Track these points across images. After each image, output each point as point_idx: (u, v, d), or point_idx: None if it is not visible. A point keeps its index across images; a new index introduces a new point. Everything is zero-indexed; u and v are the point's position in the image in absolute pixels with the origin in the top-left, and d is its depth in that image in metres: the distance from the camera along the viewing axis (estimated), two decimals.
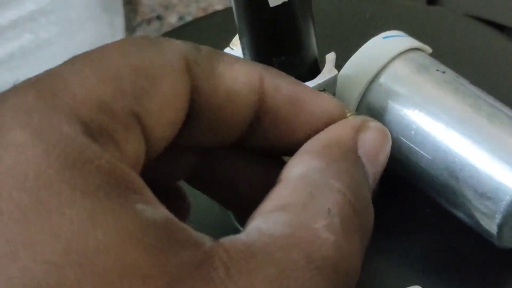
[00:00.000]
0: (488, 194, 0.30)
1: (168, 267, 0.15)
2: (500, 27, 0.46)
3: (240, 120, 0.21)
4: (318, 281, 0.17)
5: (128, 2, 0.58)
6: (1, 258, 0.14)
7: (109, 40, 0.20)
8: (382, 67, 0.33)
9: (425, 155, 0.32)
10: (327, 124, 0.22)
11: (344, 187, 0.20)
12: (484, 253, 0.33)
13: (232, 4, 0.29)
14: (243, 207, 0.24)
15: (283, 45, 0.30)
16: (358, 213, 0.20)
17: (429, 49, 0.35)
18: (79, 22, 0.62)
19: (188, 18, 0.62)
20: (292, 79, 0.22)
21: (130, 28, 0.66)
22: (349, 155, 0.21)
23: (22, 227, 0.15)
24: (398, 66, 0.33)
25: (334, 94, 0.33)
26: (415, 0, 0.49)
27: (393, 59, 0.33)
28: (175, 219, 0.17)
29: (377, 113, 0.33)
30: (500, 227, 0.31)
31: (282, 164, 0.24)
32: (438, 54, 0.35)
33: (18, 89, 0.18)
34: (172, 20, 0.67)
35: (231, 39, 0.33)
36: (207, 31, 0.46)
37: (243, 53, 0.31)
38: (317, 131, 0.22)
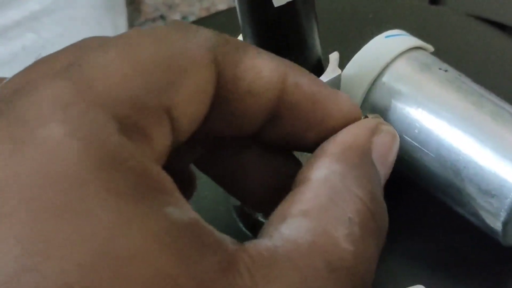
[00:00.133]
0: (492, 192, 0.30)
1: (195, 273, 0.16)
2: (502, 27, 0.46)
3: (259, 114, 0.21)
4: None
5: (131, 1, 0.58)
6: (35, 256, 0.14)
7: None
8: (385, 66, 0.33)
9: (429, 153, 0.32)
10: (343, 123, 0.22)
11: (364, 194, 0.20)
12: (487, 253, 0.34)
13: (236, 4, 0.29)
14: (247, 196, 0.25)
15: (286, 45, 0.30)
16: (375, 219, 0.20)
17: (431, 48, 0.35)
18: (82, 22, 0.62)
19: (191, 18, 0.62)
20: (313, 77, 0.22)
21: (133, 27, 0.66)
22: (367, 159, 0.21)
23: (56, 227, 0.15)
24: (401, 65, 0.33)
25: None
26: (418, 0, 0.49)
27: (396, 58, 0.33)
28: (201, 220, 0.17)
29: (380, 112, 0.33)
30: (505, 224, 0.31)
31: (292, 160, 0.24)
32: (441, 54, 0.35)
33: (50, 76, 0.17)
34: (176, 19, 0.67)
35: None
36: None
37: None
38: (333, 129, 0.22)
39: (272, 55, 0.21)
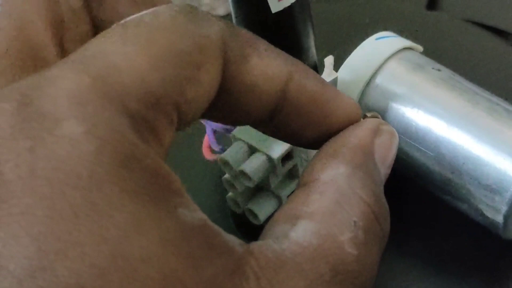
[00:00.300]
0: (492, 186, 0.31)
1: (204, 277, 0.16)
2: (498, 32, 0.46)
3: (259, 110, 0.21)
4: None
5: None
6: (50, 254, 0.14)
7: None
8: (377, 68, 0.34)
9: (427, 152, 0.32)
10: (344, 123, 0.22)
11: (369, 196, 0.20)
12: (487, 253, 0.34)
13: (232, 10, 0.30)
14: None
15: (283, 49, 0.30)
16: (379, 222, 0.20)
17: (420, 48, 0.35)
18: None
19: None
20: (318, 77, 0.22)
21: None
22: (371, 160, 0.22)
23: (73, 227, 0.15)
24: (393, 66, 0.34)
25: None
26: (415, 5, 0.49)
27: (388, 59, 0.34)
28: (209, 222, 0.17)
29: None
30: (506, 218, 0.31)
31: None
32: (437, 58, 0.35)
33: (67, 68, 0.17)
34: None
35: None
36: None
37: None
38: (334, 128, 0.22)
39: (279, 51, 0.21)
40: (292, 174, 0.31)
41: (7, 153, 0.15)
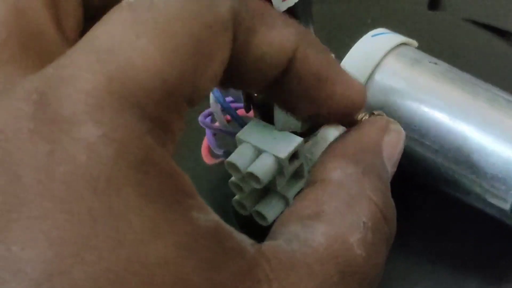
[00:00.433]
0: (498, 175, 0.31)
1: (217, 281, 0.16)
2: (500, 32, 0.46)
3: (263, 79, 0.21)
4: None
5: None
6: (67, 258, 0.14)
7: None
8: (376, 64, 0.34)
9: (431, 146, 0.32)
10: (346, 107, 0.22)
11: (378, 197, 0.20)
12: (487, 253, 0.34)
13: None
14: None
15: None
16: (387, 223, 0.20)
17: (415, 43, 0.35)
18: None
19: None
20: (326, 54, 0.22)
21: None
22: (380, 160, 0.21)
23: (91, 231, 0.15)
24: (392, 62, 0.34)
25: None
26: (417, 5, 0.49)
27: (386, 55, 0.34)
28: (222, 223, 0.17)
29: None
30: None
31: None
32: (439, 58, 0.35)
33: (80, 64, 0.16)
34: None
35: None
36: None
37: None
38: (336, 110, 0.22)
39: (289, 22, 0.21)
40: (298, 174, 0.31)
41: (27, 157, 0.15)
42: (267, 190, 0.33)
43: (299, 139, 0.30)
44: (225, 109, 0.33)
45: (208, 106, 0.33)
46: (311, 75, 0.21)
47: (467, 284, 0.33)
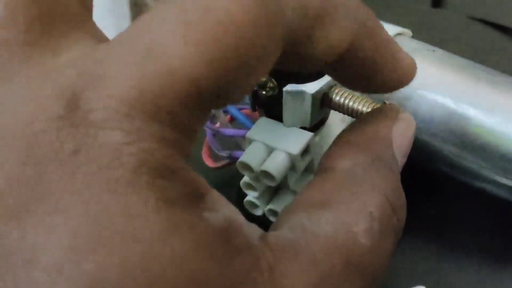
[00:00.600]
0: (507, 156, 0.31)
1: (227, 276, 0.16)
2: (503, 29, 0.46)
3: (314, 67, 0.20)
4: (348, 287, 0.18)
5: (134, 4, 0.58)
6: (79, 250, 0.15)
7: None
8: None
9: (438, 134, 0.32)
10: (399, 82, 0.22)
11: (387, 188, 0.20)
12: (488, 253, 0.34)
13: None
14: None
15: None
16: (396, 214, 0.20)
17: (410, 33, 0.36)
18: None
19: None
20: (380, 37, 0.21)
21: None
22: (390, 150, 0.21)
23: (106, 226, 0.15)
24: None
25: None
26: (420, 3, 0.49)
27: None
28: (233, 219, 0.17)
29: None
30: None
31: None
32: None
33: (120, 64, 0.16)
34: None
35: None
36: None
37: None
38: (389, 88, 0.22)
39: (348, 8, 0.20)
40: (308, 169, 0.31)
41: (52, 154, 0.16)
42: (279, 188, 0.33)
43: (309, 134, 0.30)
44: (227, 109, 0.33)
45: None
46: (366, 61, 0.21)
47: (471, 279, 0.33)
